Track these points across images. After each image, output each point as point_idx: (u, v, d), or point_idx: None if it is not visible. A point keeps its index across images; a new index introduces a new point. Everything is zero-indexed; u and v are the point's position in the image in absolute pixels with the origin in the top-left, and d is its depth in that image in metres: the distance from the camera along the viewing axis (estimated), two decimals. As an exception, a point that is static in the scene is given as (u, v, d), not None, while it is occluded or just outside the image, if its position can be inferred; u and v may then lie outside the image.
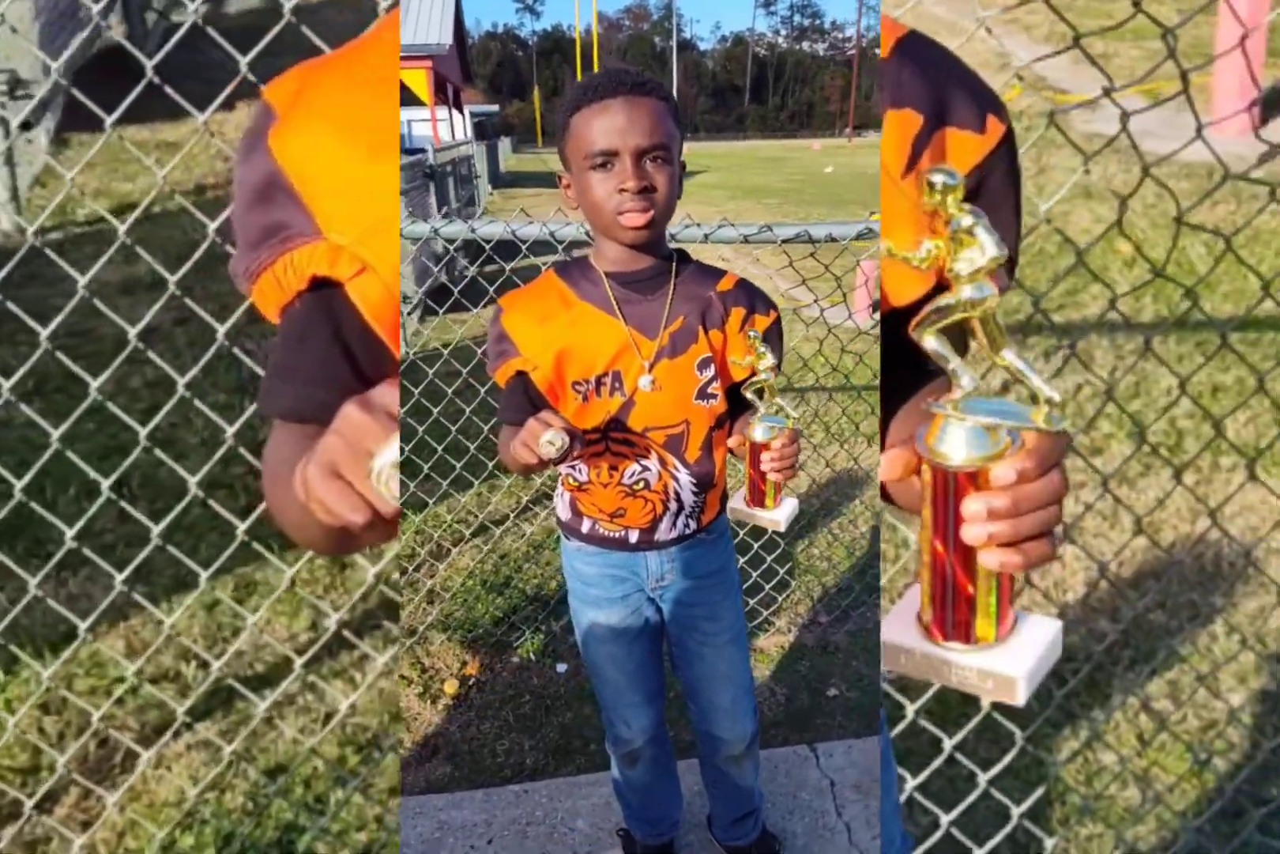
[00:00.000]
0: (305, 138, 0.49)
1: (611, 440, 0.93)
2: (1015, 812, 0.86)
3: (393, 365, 0.55)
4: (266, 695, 1.13)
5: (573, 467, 0.98)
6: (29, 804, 1.26)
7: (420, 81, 13.77)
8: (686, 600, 1.06)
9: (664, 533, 1.00)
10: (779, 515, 0.90)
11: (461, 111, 17.64)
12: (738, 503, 0.93)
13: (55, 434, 1.02)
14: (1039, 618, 0.43)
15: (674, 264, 0.91)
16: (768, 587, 2.01)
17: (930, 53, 0.53)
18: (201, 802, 1.37)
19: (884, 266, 0.54)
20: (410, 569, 2.12)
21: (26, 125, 2.82)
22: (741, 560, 2.21)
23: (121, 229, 0.94)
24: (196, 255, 0.90)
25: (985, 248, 0.36)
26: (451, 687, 1.78)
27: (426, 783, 1.55)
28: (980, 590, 0.40)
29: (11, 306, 1.01)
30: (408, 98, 14.60)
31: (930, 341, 0.39)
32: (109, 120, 0.87)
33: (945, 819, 0.85)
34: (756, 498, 0.91)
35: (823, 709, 1.73)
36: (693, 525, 1.01)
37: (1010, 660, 0.40)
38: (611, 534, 1.01)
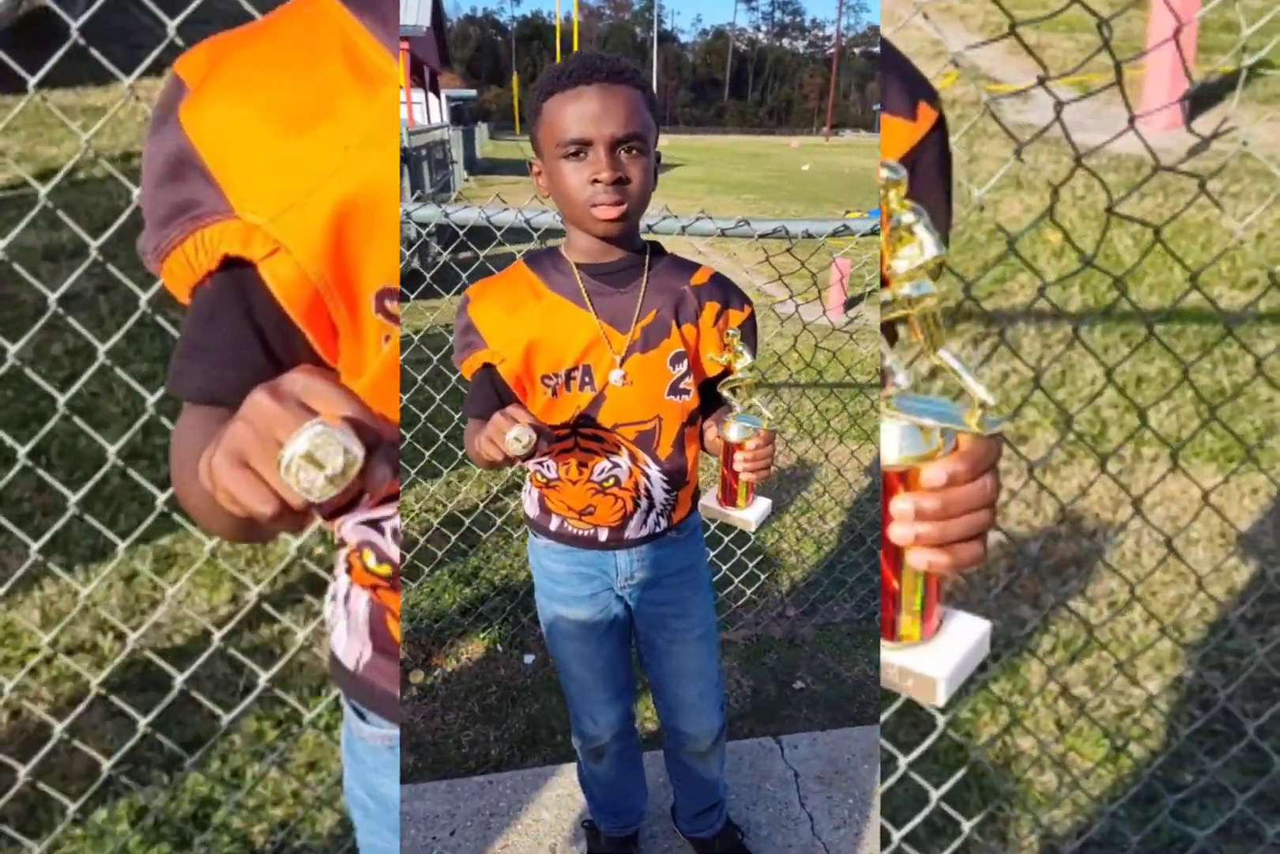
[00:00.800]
0: (217, 113, 0.48)
1: (581, 436, 0.92)
2: (934, 795, 0.87)
3: (307, 351, 0.53)
4: (185, 668, 1.11)
5: (541, 463, 0.96)
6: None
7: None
8: (655, 599, 1.06)
9: (634, 531, 0.99)
10: (750, 515, 0.90)
11: (438, 95, 17.37)
12: (709, 501, 0.92)
13: (-33, 402, 1.00)
14: (967, 617, 0.42)
15: (647, 256, 0.90)
16: (736, 580, 2.02)
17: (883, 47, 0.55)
18: (116, 774, 1.35)
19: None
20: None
21: None
22: (711, 554, 2.22)
23: (42, 192, 0.91)
24: (120, 221, 0.88)
25: (925, 246, 0.35)
26: (417, 677, 1.77)
27: (389, 774, 1.53)
28: (905, 588, 0.40)
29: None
30: (383, 79, 14.26)
31: (881, 339, 0.39)
32: (31, 82, 0.85)
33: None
34: (729, 497, 0.90)
35: (789, 701, 1.75)
36: (663, 523, 1.00)
37: (932, 661, 0.40)
38: (580, 532, 1.00)
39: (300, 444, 0.35)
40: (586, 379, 0.89)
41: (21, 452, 1.00)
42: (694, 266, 0.94)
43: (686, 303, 0.90)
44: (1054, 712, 1.51)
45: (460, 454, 1.85)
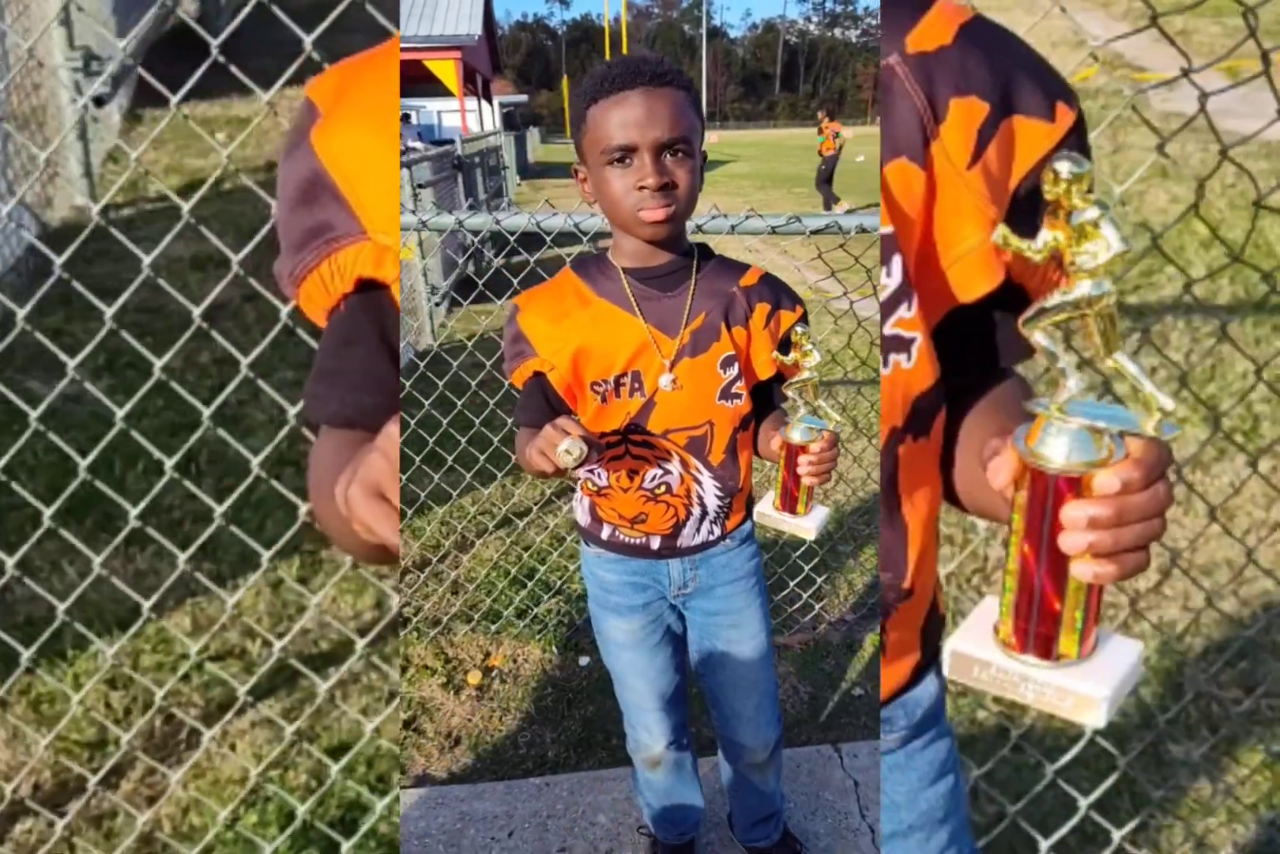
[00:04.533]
0: (349, 136, 0.48)
1: (631, 443, 0.91)
2: (1083, 802, 0.83)
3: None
4: (331, 674, 1.13)
5: (592, 471, 0.95)
6: (94, 780, 1.28)
7: (449, 72, 13.80)
8: (710, 608, 1.04)
9: (687, 539, 0.97)
10: (809, 523, 0.86)
11: (490, 102, 17.66)
12: (766, 507, 0.89)
13: (120, 412, 1.03)
14: (1121, 638, 0.41)
15: (695, 259, 0.89)
16: (792, 583, 1.98)
17: (996, 37, 0.51)
18: (265, 780, 1.38)
19: (951, 261, 0.50)
20: (435, 560, 2.14)
21: (99, 101, 2.83)
22: (767, 556, 2.19)
23: (185, 206, 0.93)
24: (263, 232, 0.89)
25: (1111, 242, 0.34)
26: (475, 678, 1.79)
27: (449, 773, 1.56)
28: (1069, 604, 0.38)
29: (76, 285, 1.02)
30: (437, 89, 14.63)
31: (1040, 338, 0.37)
32: (174, 98, 0.88)
33: (1011, 809, 0.83)
34: (788, 503, 0.87)
35: (847, 708, 1.71)
36: (717, 531, 0.98)
37: (1094, 680, 0.39)
38: (633, 541, 0.98)
39: None
40: (636, 385, 0.88)
41: (169, 462, 1.02)
42: (743, 268, 0.92)
43: (736, 305, 0.89)
44: (1206, 716, 1.45)
45: (514, 457, 1.87)
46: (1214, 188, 3.25)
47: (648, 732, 1.11)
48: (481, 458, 1.91)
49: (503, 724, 1.68)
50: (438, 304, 4.15)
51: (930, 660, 0.65)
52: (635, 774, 1.23)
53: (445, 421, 1.87)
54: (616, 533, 0.99)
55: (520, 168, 14.32)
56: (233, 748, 1.44)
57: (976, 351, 0.54)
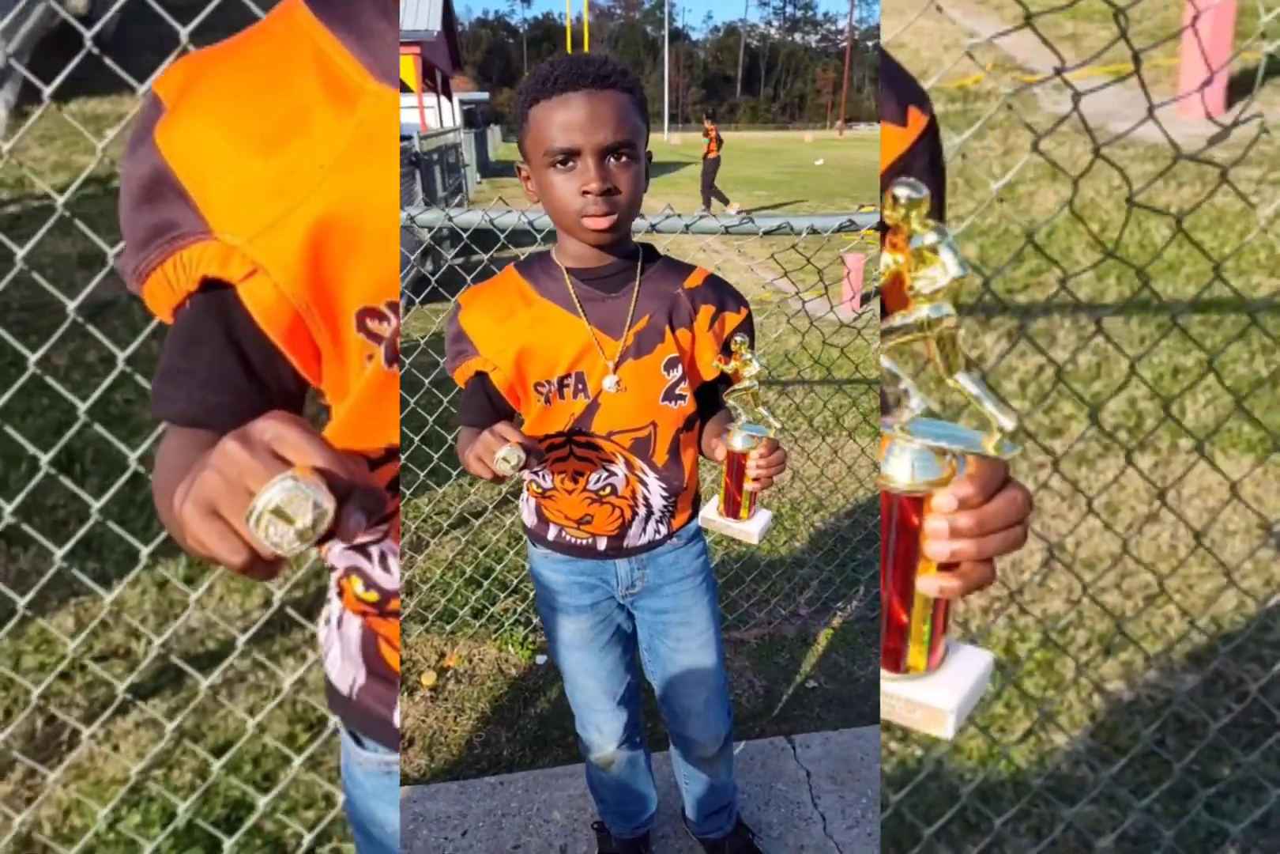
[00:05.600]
0: (192, 133, 0.47)
1: (576, 445, 0.91)
2: (965, 790, 0.86)
3: (290, 373, 0.52)
4: (221, 674, 1.12)
5: (536, 472, 0.95)
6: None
7: (408, 68, 13.60)
8: (658, 607, 1.04)
9: (633, 539, 0.98)
10: (752, 527, 0.88)
11: (450, 98, 17.46)
12: (710, 513, 0.91)
13: (-10, 407, 1.01)
14: (971, 649, 0.42)
15: (640, 261, 0.89)
16: (748, 578, 2.01)
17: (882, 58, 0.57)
18: (148, 779, 1.36)
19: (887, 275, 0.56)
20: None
21: None
22: (723, 552, 2.21)
23: (60, 201, 0.92)
24: None
25: (948, 267, 0.34)
26: (429, 679, 1.77)
27: (402, 775, 1.54)
28: (915, 618, 0.39)
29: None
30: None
31: (885, 361, 0.38)
32: (46, 91, 0.86)
33: (894, 799, 0.85)
34: (731, 508, 0.89)
35: (801, 701, 1.74)
36: (663, 530, 0.99)
37: (941, 692, 0.40)
38: (579, 541, 0.98)
39: (270, 498, 0.34)
40: (580, 386, 0.88)
41: (44, 459, 1.01)
42: (688, 269, 0.92)
43: (680, 307, 0.89)
44: (1088, 707, 1.50)
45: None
46: (1100, 190, 3.37)
47: (599, 732, 1.11)
48: (435, 457, 1.89)
49: (457, 724, 1.66)
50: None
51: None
52: (588, 771, 1.23)
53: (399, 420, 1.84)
54: (563, 534, 0.99)
55: (481, 165, 14.19)
56: (115, 748, 1.42)
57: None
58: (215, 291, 0.49)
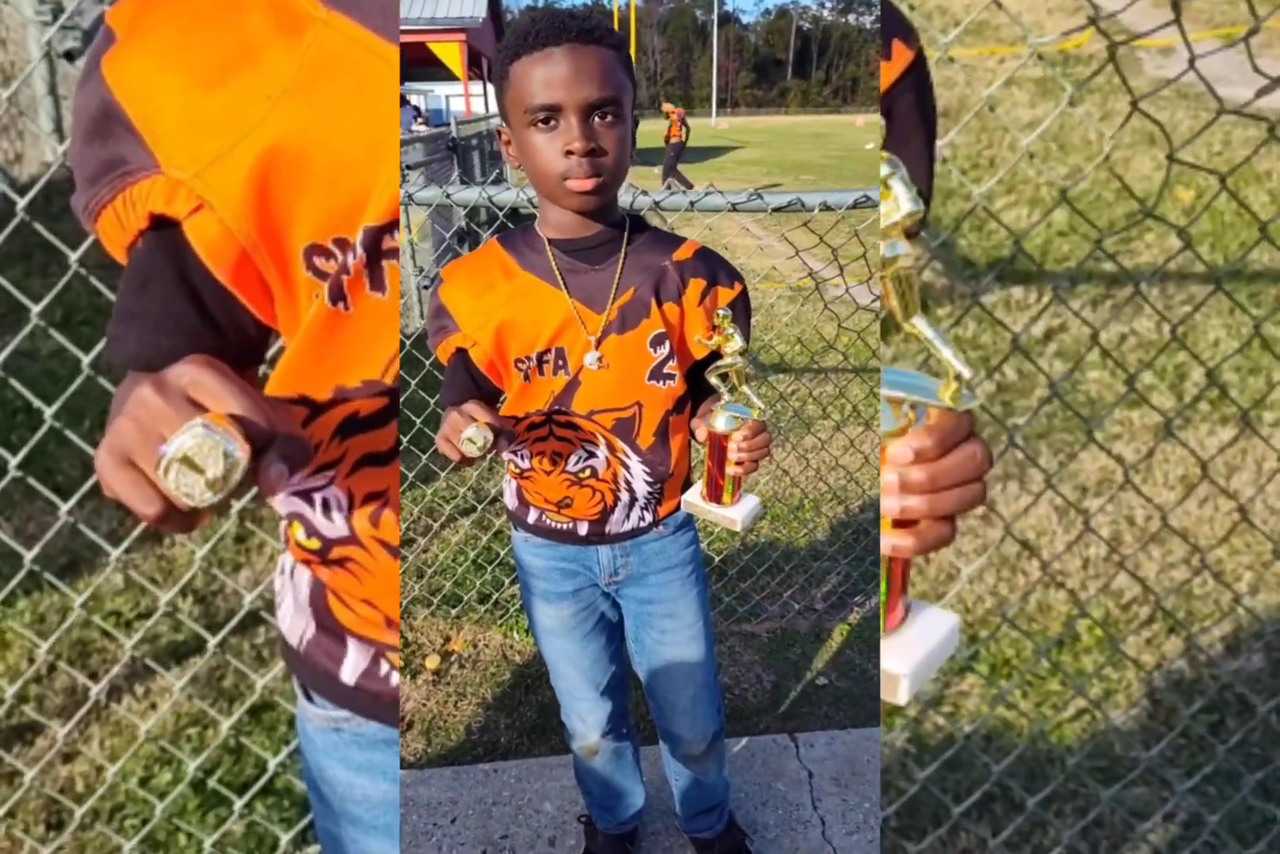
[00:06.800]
0: (139, 64, 0.45)
1: (555, 424, 0.87)
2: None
3: (244, 314, 0.50)
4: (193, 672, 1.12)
5: (515, 452, 0.91)
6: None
7: (453, 55, 13.67)
8: (643, 596, 1.00)
9: (616, 525, 0.94)
10: (736, 513, 0.83)
11: (496, 86, 17.50)
12: (693, 497, 0.86)
13: None
14: (934, 610, 0.39)
15: (626, 231, 0.84)
16: (759, 570, 1.95)
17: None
18: (182, 739, 1.40)
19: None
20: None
21: (70, 55, 2.79)
22: (738, 543, 2.15)
23: None
24: (46, 177, 0.85)
25: (900, 201, 0.32)
26: (433, 662, 1.77)
27: (399, 759, 1.53)
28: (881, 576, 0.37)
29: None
30: (442, 73, 14.49)
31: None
32: None
33: (921, 775, 0.81)
34: (714, 493, 0.84)
35: (810, 698, 1.68)
36: (648, 518, 0.95)
37: (895, 655, 0.36)
38: (560, 525, 0.95)
39: (178, 446, 0.33)
40: (560, 362, 0.84)
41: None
42: (678, 241, 0.87)
43: (668, 280, 0.84)
44: (1146, 686, 1.46)
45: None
46: (1201, 156, 3.23)
47: (581, 721, 1.08)
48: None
49: (457, 709, 1.65)
50: (426, 287, 4.11)
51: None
52: (575, 761, 1.20)
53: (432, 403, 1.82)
54: (543, 517, 0.96)
55: (524, 153, 14.20)
56: (154, 706, 1.45)
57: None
58: (166, 230, 0.47)
